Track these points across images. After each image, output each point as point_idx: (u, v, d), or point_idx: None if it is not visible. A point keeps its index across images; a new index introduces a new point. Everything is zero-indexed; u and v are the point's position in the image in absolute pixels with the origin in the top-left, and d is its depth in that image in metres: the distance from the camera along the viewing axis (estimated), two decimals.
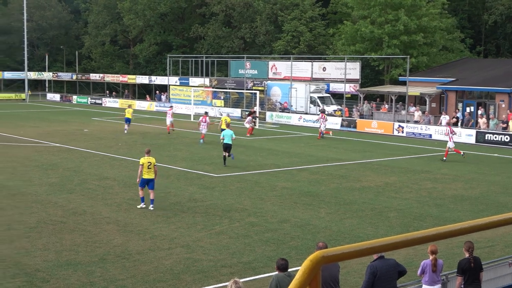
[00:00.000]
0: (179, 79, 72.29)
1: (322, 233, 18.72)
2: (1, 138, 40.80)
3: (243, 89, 62.21)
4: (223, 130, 33.70)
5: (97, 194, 23.59)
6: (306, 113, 56.87)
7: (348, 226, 19.67)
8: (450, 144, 34.77)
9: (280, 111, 58.70)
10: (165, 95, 72.50)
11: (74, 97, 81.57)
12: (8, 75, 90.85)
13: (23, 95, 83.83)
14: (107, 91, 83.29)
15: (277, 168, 30.67)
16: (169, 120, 45.69)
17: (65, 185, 25.34)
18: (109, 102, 75.92)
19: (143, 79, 79.91)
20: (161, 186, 25.22)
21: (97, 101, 78.08)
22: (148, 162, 21.31)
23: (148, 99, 73.49)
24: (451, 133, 35.02)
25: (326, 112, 49.08)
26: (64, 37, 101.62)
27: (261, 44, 77.37)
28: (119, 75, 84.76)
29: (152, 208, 21.13)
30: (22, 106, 73.90)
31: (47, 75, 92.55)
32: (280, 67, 62.70)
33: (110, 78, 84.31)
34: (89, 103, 78.42)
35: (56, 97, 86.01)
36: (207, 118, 41.49)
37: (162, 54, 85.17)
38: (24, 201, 22.27)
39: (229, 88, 64.73)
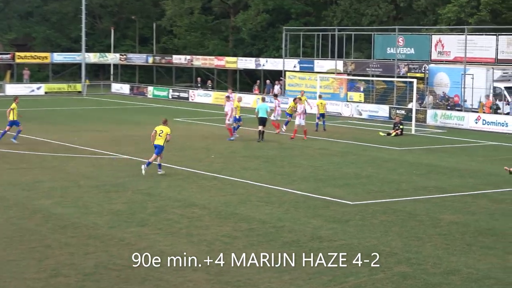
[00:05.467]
0: (299, 63, 72.63)
1: None
2: (50, 147, 42.18)
3: (393, 77, 61.71)
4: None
5: (179, 228, 23.95)
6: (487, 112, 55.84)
7: None
8: None
9: (447, 109, 57.84)
10: (278, 85, 72.80)
11: (150, 88, 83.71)
12: (59, 57, 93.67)
13: (78, 86, 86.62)
14: (198, 79, 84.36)
15: (442, 194, 30.26)
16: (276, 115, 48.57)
17: (134, 214, 25.91)
18: (199, 96, 77.23)
19: (247, 63, 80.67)
20: (272, 217, 25.33)
21: (182, 95, 79.65)
22: (160, 130, 32.18)
23: (256, 90, 74.10)
24: None
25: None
26: (137, 3, 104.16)
27: (421, 11, 76.63)
28: (213, 57, 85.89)
29: (160, 172, 32.71)
30: (78, 101, 76.42)
31: (112, 58, 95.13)
32: (449, 44, 61.82)
33: (200, 61, 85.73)
34: (170, 97, 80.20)
35: (125, 88, 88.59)
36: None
37: (276, 26, 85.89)
38: (78, 236, 22.90)
39: (373, 76, 64.41)
